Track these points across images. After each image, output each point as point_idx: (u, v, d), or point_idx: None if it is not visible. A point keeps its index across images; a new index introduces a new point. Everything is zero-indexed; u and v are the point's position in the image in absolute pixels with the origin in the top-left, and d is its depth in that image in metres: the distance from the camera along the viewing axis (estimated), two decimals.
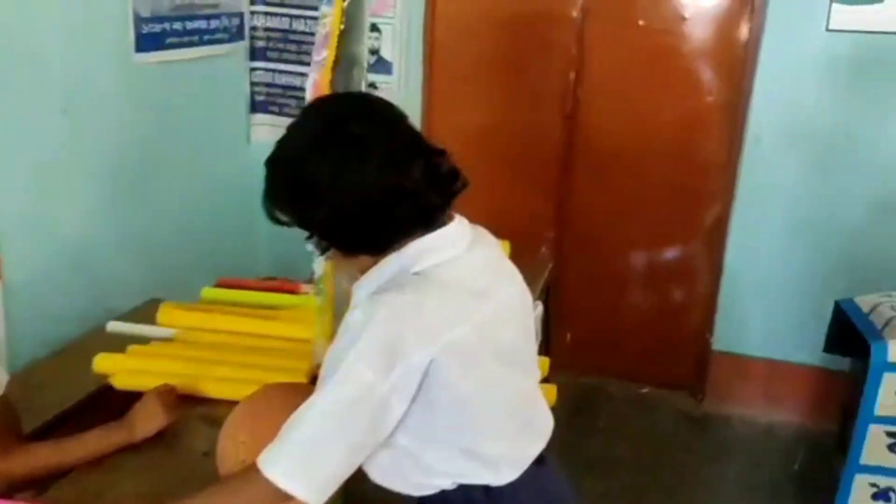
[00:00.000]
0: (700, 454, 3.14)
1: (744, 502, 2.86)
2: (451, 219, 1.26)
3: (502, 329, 1.26)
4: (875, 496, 2.24)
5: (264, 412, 1.32)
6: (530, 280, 2.49)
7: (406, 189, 1.18)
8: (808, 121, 3.05)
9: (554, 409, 3.02)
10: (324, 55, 1.68)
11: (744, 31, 3.11)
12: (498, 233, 2.71)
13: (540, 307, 2.47)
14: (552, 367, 2.83)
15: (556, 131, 3.38)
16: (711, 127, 3.24)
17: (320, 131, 1.20)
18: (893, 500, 2.22)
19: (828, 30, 2.93)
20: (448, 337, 1.15)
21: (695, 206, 3.36)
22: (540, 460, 1.35)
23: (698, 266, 3.42)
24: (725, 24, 3.15)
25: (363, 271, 1.24)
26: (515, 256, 2.57)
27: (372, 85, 3.34)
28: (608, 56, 3.28)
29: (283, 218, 1.22)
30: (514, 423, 1.29)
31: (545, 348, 2.78)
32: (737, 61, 3.13)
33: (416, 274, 1.19)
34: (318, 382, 1.17)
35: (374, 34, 3.33)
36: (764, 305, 3.30)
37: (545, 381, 2.11)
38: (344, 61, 1.70)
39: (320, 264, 1.65)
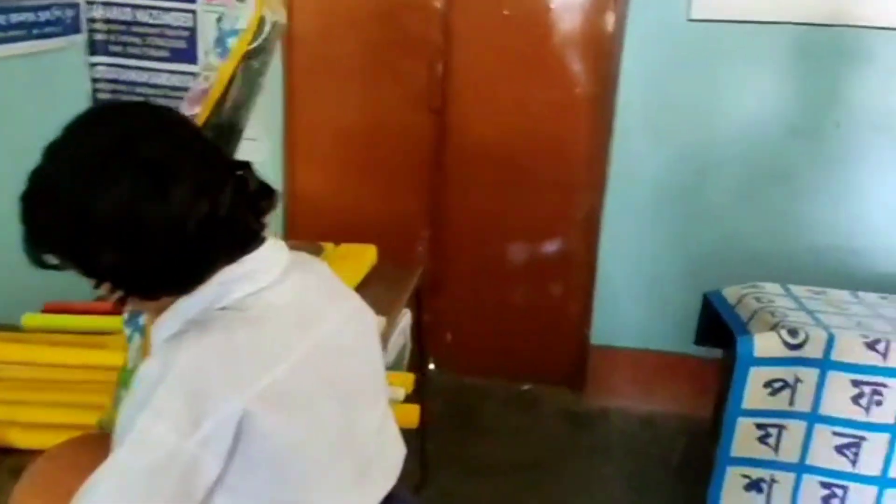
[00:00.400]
0: (581, 450, 3.10)
1: (624, 497, 2.83)
2: (262, 241, 1.10)
3: (335, 361, 1.11)
4: (747, 487, 2.24)
5: (63, 473, 1.12)
6: (398, 286, 2.39)
7: (220, 217, 1.01)
8: (673, 111, 3.05)
9: (436, 413, 2.92)
10: (195, 112, 1.42)
11: (609, 22, 3.07)
12: (369, 236, 2.62)
13: (408, 315, 2.35)
14: (427, 371, 2.73)
15: (426, 126, 3.26)
16: (580, 119, 3.20)
17: (102, 155, 0.98)
18: (765, 491, 2.23)
19: (689, 19, 2.92)
20: (265, 380, 0.99)
21: (568, 200, 3.31)
22: (388, 499, 1.22)
23: (574, 260, 3.38)
24: (590, 14, 3.10)
25: (161, 310, 1.07)
26: (383, 261, 2.47)
27: None
28: (475, 48, 3.18)
29: (55, 261, 1.02)
30: (354, 468, 1.15)
31: (418, 357, 2.67)
32: (603, 52, 3.09)
33: (223, 309, 1.03)
34: (113, 445, 0.99)
35: None
36: (639, 297, 3.29)
37: (410, 399, 2.01)
38: (217, 127, 1.43)
39: (135, 354, 1.39)
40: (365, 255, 2.40)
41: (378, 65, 3.25)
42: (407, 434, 1.89)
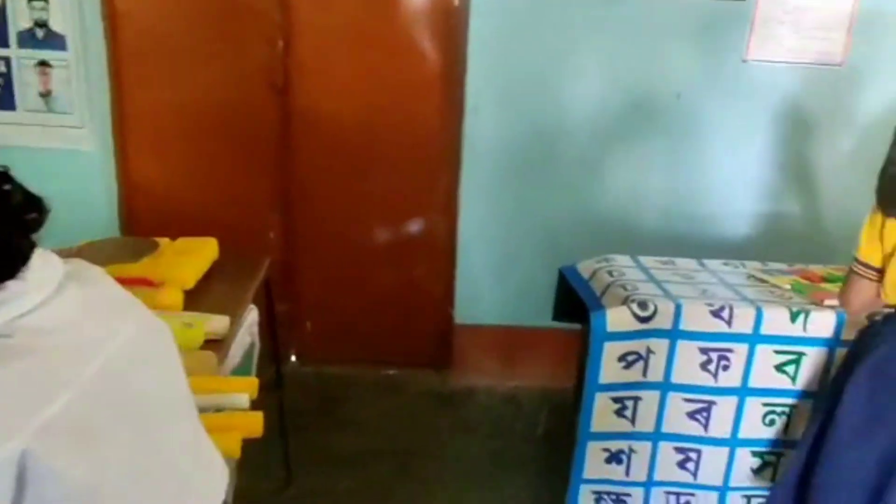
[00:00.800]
0: (447, 432, 3.07)
1: (491, 474, 2.82)
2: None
3: (125, 382, 0.98)
4: (608, 460, 2.25)
5: None
6: (243, 281, 2.23)
7: None
8: (521, 85, 3.02)
9: (299, 407, 2.79)
10: None
11: None
12: (215, 225, 2.44)
13: (254, 312, 2.20)
14: (283, 366, 2.60)
15: (269, 106, 3.09)
16: (432, 96, 3.12)
17: None
18: (625, 462, 2.25)
19: None
20: (43, 414, 0.85)
21: (424, 179, 3.24)
22: None
23: (435, 240, 3.32)
24: None
25: None
26: (226, 255, 2.31)
27: (43, 63, 2.85)
28: (317, 22, 3.03)
29: None
30: (167, 493, 1.03)
31: (272, 357, 2.54)
32: (449, 25, 3.01)
33: None
34: None
35: (41, 3, 2.82)
36: (499, 273, 3.28)
37: (255, 405, 1.89)
38: None
39: None
40: (205, 250, 2.23)
41: (213, 41, 3.04)
42: (268, 433, 1.78)
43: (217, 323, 1.89)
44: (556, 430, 3.01)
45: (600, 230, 3.11)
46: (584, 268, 2.50)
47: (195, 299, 2.03)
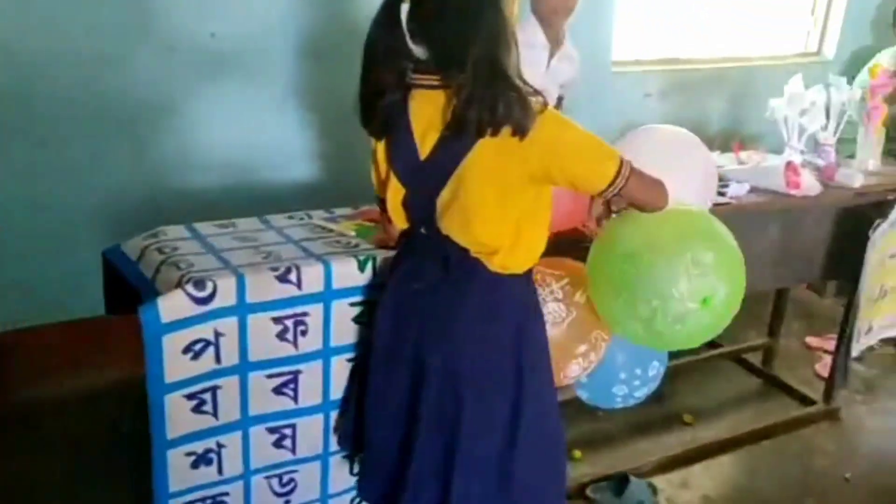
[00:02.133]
0: (11, 462, 2.55)
1: (69, 499, 2.41)
2: None
3: None
4: (195, 464, 1.96)
5: None
6: None
7: None
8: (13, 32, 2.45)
9: None
10: None
11: None
12: None
13: None
14: None
15: None
16: None
17: None
18: (215, 461, 1.99)
19: None
20: None
21: None
22: None
23: None
24: None
25: None
26: None
27: None
28: None
29: None
30: None
31: None
32: None
33: None
34: None
35: None
36: (48, 264, 2.76)
37: None
38: None
39: None
40: None
41: None
42: None
43: None
44: (143, 426, 2.65)
45: (158, 199, 2.73)
46: (131, 247, 2.12)
47: None
